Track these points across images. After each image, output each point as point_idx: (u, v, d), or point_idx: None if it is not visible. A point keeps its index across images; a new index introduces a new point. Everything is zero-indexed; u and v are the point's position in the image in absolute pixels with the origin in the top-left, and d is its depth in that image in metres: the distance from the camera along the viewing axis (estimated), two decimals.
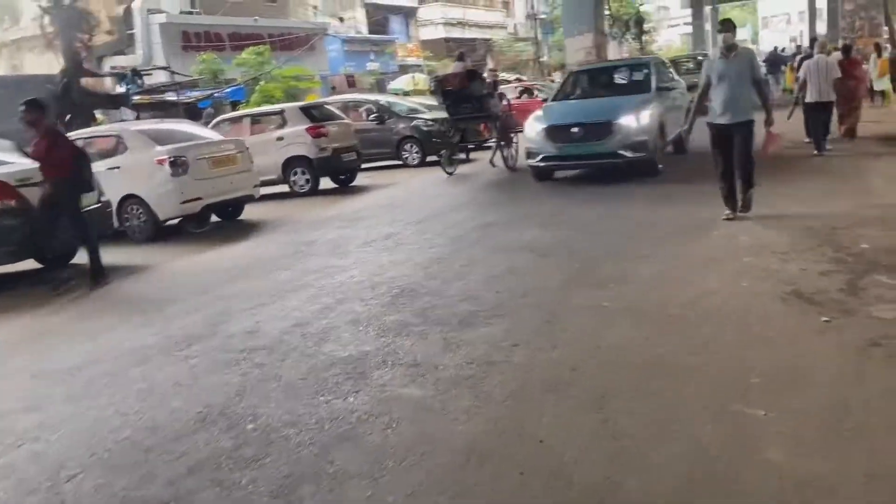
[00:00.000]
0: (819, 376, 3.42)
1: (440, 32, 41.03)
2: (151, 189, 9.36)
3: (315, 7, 32.81)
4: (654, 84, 10.48)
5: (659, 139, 9.71)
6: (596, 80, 11.69)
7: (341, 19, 31.40)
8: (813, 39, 12.82)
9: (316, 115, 12.96)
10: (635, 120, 9.40)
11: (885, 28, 20.82)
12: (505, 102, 13.36)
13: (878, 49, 16.53)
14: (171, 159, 9.24)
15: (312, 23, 30.76)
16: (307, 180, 12.63)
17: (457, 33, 41.87)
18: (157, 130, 10.16)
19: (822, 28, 36.43)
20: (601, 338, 4.18)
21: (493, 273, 5.82)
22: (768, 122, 6.53)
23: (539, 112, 10.61)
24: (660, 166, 9.68)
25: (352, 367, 4.14)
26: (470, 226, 7.98)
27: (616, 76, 11.50)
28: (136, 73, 17.39)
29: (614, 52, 37.59)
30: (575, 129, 9.53)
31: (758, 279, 4.93)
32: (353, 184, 13.50)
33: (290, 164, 12.63)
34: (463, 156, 14.14)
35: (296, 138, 12.48)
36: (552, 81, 26.21)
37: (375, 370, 4.04)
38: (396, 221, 8.70)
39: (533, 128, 10.14)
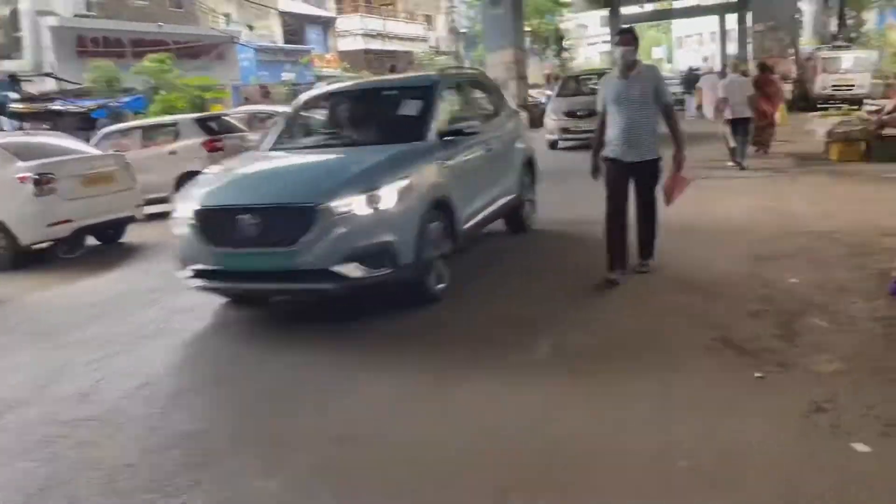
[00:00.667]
0: (758, 457, 2.82)
1: (359, 44, 40.21)
2: (12, 210, 8.19)
3: (227, 15, 31.49)
4: (432, 125, 5.67)
5: (435, 236, 5.11)
6: (342, 114, 6.58)
7: (251, 27, 30.17)
8: (735, 64, 12.98)
9: (214, 128, 11.94)
10: (366, 201, 4.70)
11: (791, 50, 21.32)
12: None
13: (771, 70, 17.03)
14: (36, 177, 8.12)
15: (221, 30, 29.41)
16: None
17: (377, 45, 41.16)
18: (23, 144, 8.97)
19: (732, 48, 37.65)
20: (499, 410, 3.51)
21: None
22: (678, 159, 5.27)
23: (192, 184, 5.69)
24: (439, 286, 5.18)
25: (199, 446, 3.32)
26: None
27: (378, 108, 6.46)
28: (14, 80, 15.85)
29: (535, 67, 37.75)
30: (244, 218, 4.68)
31: (680, 321, 4.37)
32: None
33: (184, 181, 11.52)
34: None
35: (190, 152, 11.42)
36: None
37: (226, 458, 3.22)
38: None
39: (178, 212, 5.16)
